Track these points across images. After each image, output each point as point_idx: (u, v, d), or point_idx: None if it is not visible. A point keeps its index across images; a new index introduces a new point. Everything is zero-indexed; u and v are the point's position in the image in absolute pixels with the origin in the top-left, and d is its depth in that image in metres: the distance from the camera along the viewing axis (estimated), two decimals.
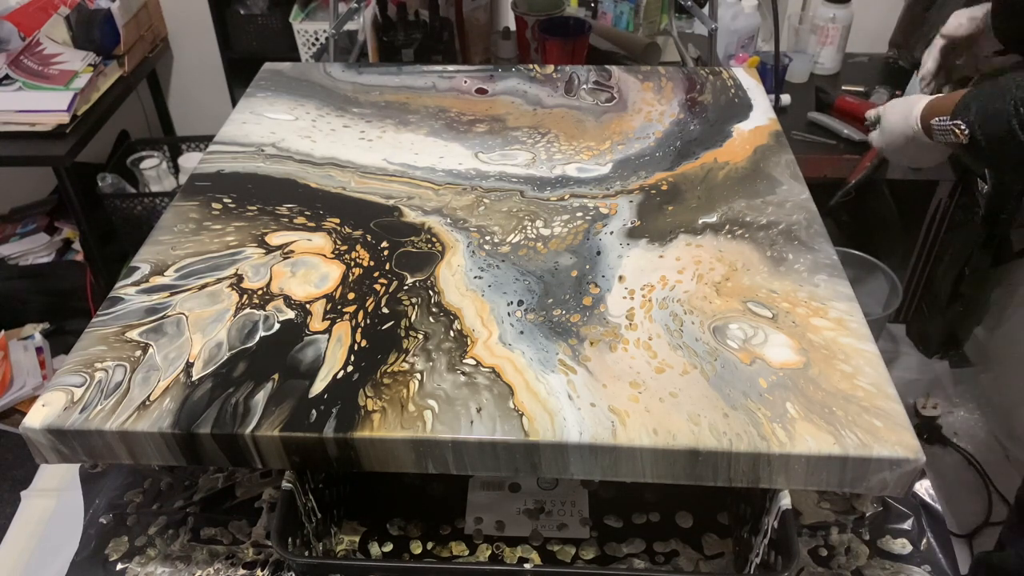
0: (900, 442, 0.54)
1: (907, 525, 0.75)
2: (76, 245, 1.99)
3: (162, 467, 0.81)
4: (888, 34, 1.89)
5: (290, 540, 0.60)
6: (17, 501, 0.86)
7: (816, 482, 0.56)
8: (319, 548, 0.68)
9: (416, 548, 0.75)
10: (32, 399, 1.78)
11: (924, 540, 0.74)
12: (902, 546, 0.73)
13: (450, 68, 1.05)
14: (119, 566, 0.73)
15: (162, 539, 0.75)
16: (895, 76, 1.84)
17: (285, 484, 0.61)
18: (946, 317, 1.82)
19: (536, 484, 0.79)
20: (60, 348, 1.91)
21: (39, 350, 1.86)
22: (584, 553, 0.74)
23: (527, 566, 0.58)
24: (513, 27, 1.71)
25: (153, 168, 1.91)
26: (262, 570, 0.72)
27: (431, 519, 0.77)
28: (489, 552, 0.74)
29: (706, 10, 1.53)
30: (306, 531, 0.65)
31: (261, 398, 0.58)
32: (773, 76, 1.60)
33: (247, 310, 0.66)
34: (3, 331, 1.88)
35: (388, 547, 0.75)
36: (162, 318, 0.65)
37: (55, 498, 0.85)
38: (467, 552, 0.74)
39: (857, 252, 1.74)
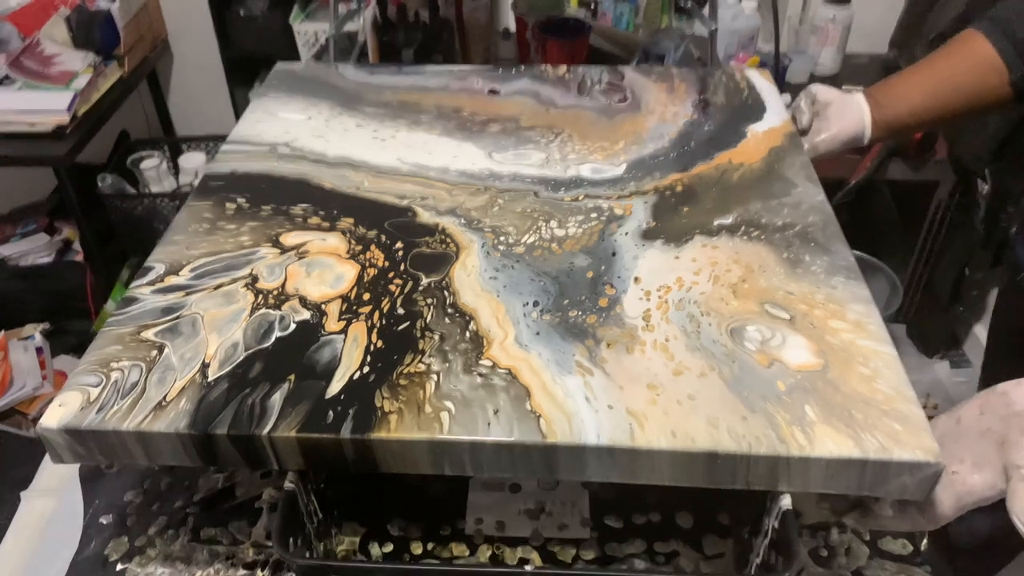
0: (920, 446, 0.54)
1: None
2: (76, 245, 1.98)
3: (162, 467, 0.81)
4: (888, 34, 1.90)
5: (291, 541, 0.60)
6: (17, 501, 0.85)
7: (835, 486, 0.55)
8: (320, 549, 0.68)
9: (416, 549, 0.74)
10: (32, 399, 1.78)
11: (924, 540, 0.74)
12: (902, 546, 0.73)
13: (465, 67, 1.05)
14: (119, 566, 0.73)
15: (162, 539, 0.75)
16: None
17: (287, 485, 0.61)
18: (946, 317, 1.82)
19: (536, 484, 0.79)
20: (60, 348, 1.91)
21: (39, 350, 1.85)
22: (584, 554, 0.73)
23: (528, 567, 0.58)
24: (513, 28, 1.72)
25: (153, 168, 1.90)
26: (262, 570, 0.72)
27: (431, 520, 0.76)
28: (489, 553, 0.74)
29: (706, 10, 1.54)
30: (307, 532, 0.65)
31: (278, 399, 0.58)
32: (773, 77, 1.60)
33: (263, 310, 0.66)
34: (3, 331, 1.87)
35: (388, 548, 0.74)
36: (177, 318, 0.65)
37: (55, 498, 0.84)
38: (467, 553, 0.74)
39: (857, 252, 1.74)
